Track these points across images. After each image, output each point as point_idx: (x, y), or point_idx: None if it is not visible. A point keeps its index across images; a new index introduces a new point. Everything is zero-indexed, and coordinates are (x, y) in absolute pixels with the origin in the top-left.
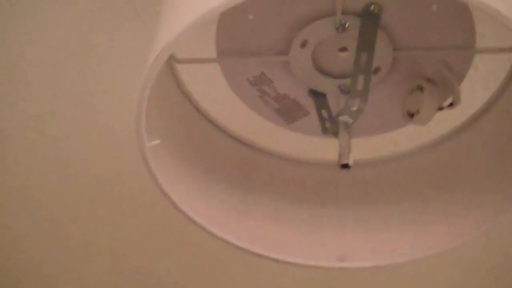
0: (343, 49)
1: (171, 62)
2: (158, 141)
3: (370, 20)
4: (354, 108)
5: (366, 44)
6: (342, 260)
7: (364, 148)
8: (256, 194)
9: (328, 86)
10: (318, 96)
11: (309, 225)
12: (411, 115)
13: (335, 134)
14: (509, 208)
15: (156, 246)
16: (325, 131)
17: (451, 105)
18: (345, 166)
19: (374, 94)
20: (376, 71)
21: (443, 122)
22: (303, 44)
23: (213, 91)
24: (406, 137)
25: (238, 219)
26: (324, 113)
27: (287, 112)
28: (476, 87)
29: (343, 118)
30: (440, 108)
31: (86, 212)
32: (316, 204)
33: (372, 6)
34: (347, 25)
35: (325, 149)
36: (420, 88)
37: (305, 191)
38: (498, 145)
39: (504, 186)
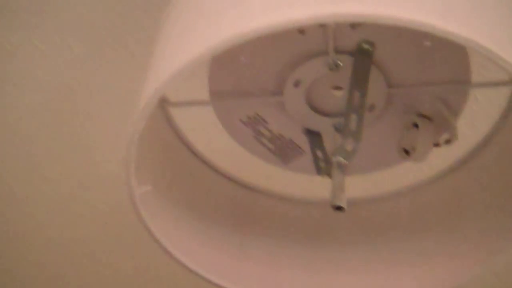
0: (337, 88)
1: (164, 105)
2: (149, 187)
3: (363, 58)
4: (348, 148)
5: (359, 82)
6: None
7: (362, 185)
8: (252, 237)
9: (323, 125)
10: (313, 135)
11: (307, 267)
12: (407, 153)
13: (329, 174)
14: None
15: None
16: (319, 171)
17: (448, 141)
18: (338, 208)
19: (370, 131)
20: (371, 108)
21: (443, 157)
22: (297, 84)
23: (207, 132)
24: (406, 173)
25: (234, 263)
26: (319, 153)
27: (282, 152)
28: (475, 121)
29: (336, 159)
30: (437, 145)
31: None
32: (313, 244)
33: (365, 44)
34: (340, 64)
35: (323, 187)
36: (416, 125)
37: (302, 231)
38: (498, 180)
39: (506, 221)
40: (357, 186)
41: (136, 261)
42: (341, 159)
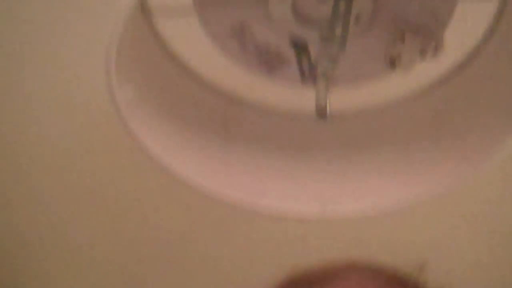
0: None
1: (148, 14)
2: (131, 93)
3: None
4: (332, 56)
5: None
6: (324, 208)
7: (349, 98)
8: (236, 145)
9: (309, 34)
10: (299, 45)
11: (290, 176)
12: (393, 63)
13: (314, 82)
14: (490, 158)
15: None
16: (304, 79)
17: (434, 52)
18: (322, 115)
19: (357, 43)
20: (357, 19)
21: (429, 71)
22: None
23: (192, 42)
24: (393, 87)
25: (219, 169)
26: (304, 62)
27: (268, 62)
28: (461, 36)
29: (321, 66)
30: (423, 55)
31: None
32: (298, 155)
33: None
34: None
35: (307, 100)
36: (402, 36)
37: (287, 142)
38: (483, 93)
39: (491, 132)
40: (345, 99)
41: (118, 167)
42: (324, 67)
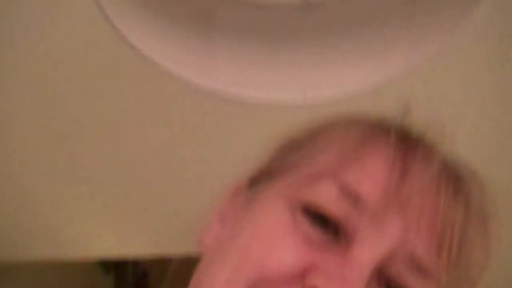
0: None
1: None
2: None
3: None
4: None
5: None
6: (306, 94)
7: None
8: (218, 37)
9: None
10: None
11: (271, 64)
12: None
13: None
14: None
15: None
16: None
17: None
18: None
19: None
20: None
21: None
22: None
23: None
24: None
25: (201, 60)
26: None
27: None
28: None
29: None
30: None
31: None
32: (277, 45)
33: None
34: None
35: None
36: None
37: (266, 32)
38: None
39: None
40: None
41: (101, 61)
42: None
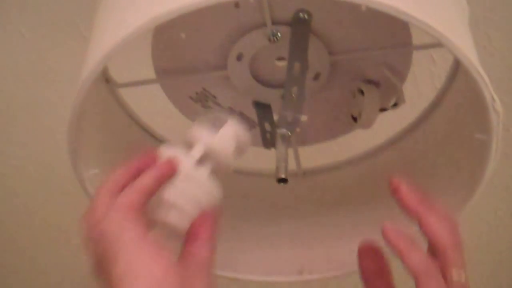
0: (281, 59)
1: (112, 87)
2: (96, 171)
3: (300, 27)
4: (289, 119)
5: (299, 52)
6: (301, 273)
7: (316, 155)
8: None
9: (271, 96)
10: (262, 108)
11: (263, 240)
12: (355, 119)
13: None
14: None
15: None
16: (266, 143)
17: (395, 105)
18: (282, 180)
19: (317, 101)
20: (316, 77)
21: (393, 123)
22: (239, 57)
23: (158, 110)
24: (359, 141)
25: None
26: (267, 125)
27: None
28: (422, 86)
29: (280, 130)
30: (384, 109)
31: None
32: (269, 216)
33: (301, 13)
34: (279, 35)
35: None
36: (361, 91)
37: (257, 203)
38: (446, 143)
39: (454, 186)
40: (312, 157)
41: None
42: (284, 130)
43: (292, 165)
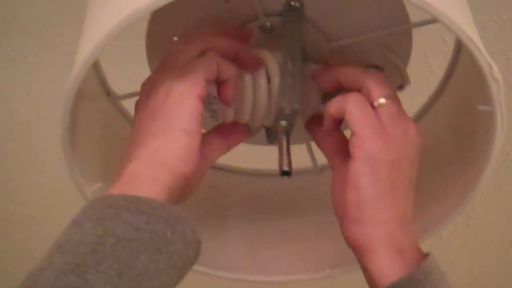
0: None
1: (114, 99)
2: (100, 184)
3: (293, 16)
4: (287, 111)
5: (292, 42)
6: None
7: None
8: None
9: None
10: None
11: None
12: None
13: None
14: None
15: None
16: (269, 139)
17: (400, 87)
18: (285, 173)
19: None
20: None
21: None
22: None
23: None
24: None
25: None
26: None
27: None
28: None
29: (280, 123)
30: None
31: None
32: (262, 216)
33: (293, 2)
34: (273, 26)
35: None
36: None
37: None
38: (450, 133)
39: (462, 175)
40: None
41: None
42: (283, 122)
43: (308, 162)
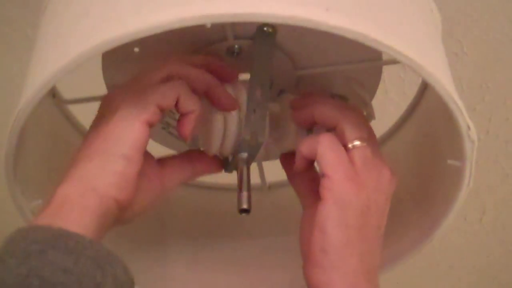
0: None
1: (60, 103)
2: (39, 201)
3: (264, 41)
4: (252, 143)
5: (261, 69)
6: None
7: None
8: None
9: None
10: None
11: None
12: None
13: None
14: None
15: None
16: (227, 167)
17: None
18: (244, 211)
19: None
20: (281, 93)
21: None
22: None
23: None
24: None
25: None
26: None
27: (193, 142)
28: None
29: (239, 155)
30: None
31: None
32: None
33: (265, 27)
34: (239, 49)
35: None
36: None
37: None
38: (417, 157)
39: (424, 213)
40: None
41: None
42: (244, 154)
43: (257, 179)
